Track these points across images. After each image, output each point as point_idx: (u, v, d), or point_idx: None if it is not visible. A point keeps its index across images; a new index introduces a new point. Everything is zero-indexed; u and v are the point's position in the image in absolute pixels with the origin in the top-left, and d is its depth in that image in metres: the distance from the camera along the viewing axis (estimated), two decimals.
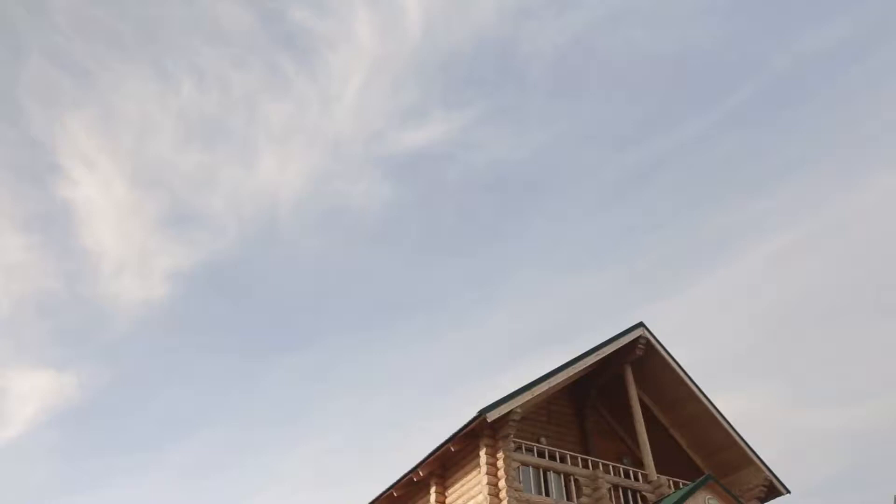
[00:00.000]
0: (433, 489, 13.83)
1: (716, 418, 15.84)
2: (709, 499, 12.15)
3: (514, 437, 13.12)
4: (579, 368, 14.53)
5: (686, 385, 15.99)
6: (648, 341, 15.83)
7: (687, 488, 12.42)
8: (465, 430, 12.83)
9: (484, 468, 12.49)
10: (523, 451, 13.42)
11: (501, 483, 12.25)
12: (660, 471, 15.02)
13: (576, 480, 13.33)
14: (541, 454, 13.64)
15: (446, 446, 13.23)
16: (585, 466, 13.86)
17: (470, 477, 13.05)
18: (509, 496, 12.04)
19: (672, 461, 16.19)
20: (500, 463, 12.49)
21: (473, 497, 12.75)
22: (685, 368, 16.10)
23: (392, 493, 14.77)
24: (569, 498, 13.08)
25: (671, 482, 14.42)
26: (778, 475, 15.65)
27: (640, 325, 15.90)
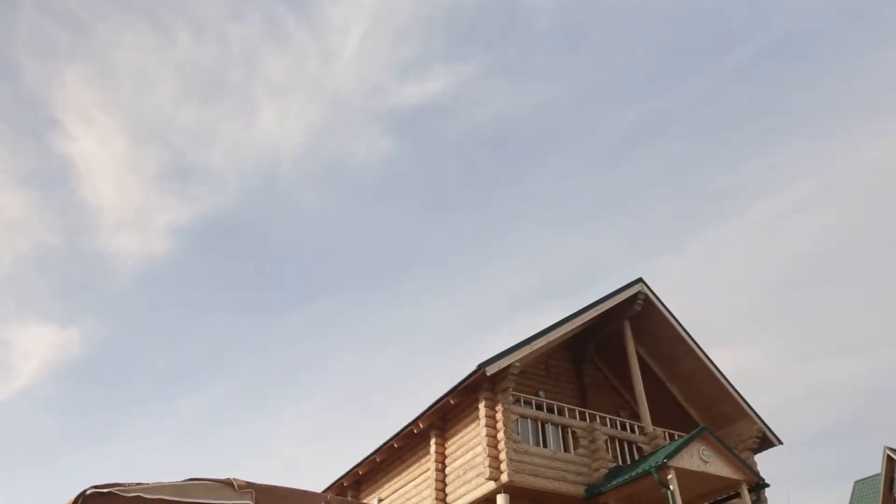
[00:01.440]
0: (433, 441, 14.08)
1: (711, 372, 16.06)
2: (703, 450, 12.38)
3: (513, 390, 13.31)
4: (578, 323, 14.65)
5: (683, 340, 16.16)
6: (647, 297, 15.93)
7: (682, 440, 12.65)
8: (464, 384, 13.01)
9: (483, 420, 12.70)
10: (522, 404, 13.63)
11: (500, 435, 12.48)
12: (656, 423, 15.29)
13: (573, 432, 13.58)
14: (539, 407, 13.86)
15: (446, 399, 13.43)
16: (583, 419, 14.09)
17: (469, 429, 13.28)
18: (507, 447, 12.28)
19: (668, 414, 16.47)
20: (499, 415, 12.69)
21: (472, 448, 13.00)
22: (683, 324, 16.26)
23: (392, 445, 15.06)
24: (566, 449, 13.34)
25: (666, 434, 14.69)
26: (771, 427, 15.95)
27: (639, 280, 15.98)
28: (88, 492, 3.83)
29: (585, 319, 14.83)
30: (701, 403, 16.54)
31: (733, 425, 16.05)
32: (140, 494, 3.90)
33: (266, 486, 4.33)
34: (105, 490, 3.79)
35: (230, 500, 4.22)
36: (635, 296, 15.75)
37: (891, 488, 26.93)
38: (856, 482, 32.42)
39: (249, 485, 4.30)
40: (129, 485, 3.89)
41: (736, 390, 15.99)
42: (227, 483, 4.20)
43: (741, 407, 15.91)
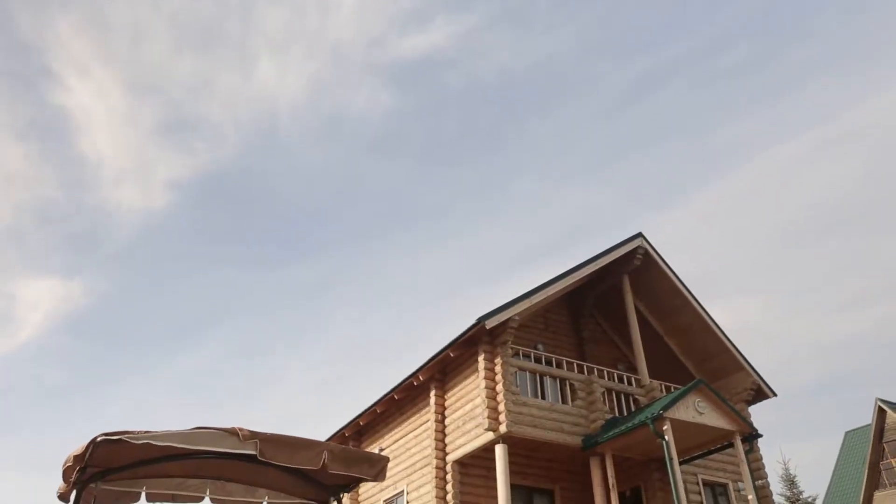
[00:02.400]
0: (433, 392, 14.33)
1: (709, 326, 16.23)
2: (698, 402, 12.61)
3: (512, 343, 13.48)
4: (577, 278, 14.74)
5: (682, 294, 16.28)
6: (646, 251, 15.98)
7: (678, 392, 12.87)
8: (464, 337, 13.17)
9: (482, 373, 12.90)
10: (520, 356, 13.82)
11: (499, 387, 12.69)
12: (653, 376, 15.54)
13: (571, 385, 13.80)
14: (537, 360, 14.06)
15: (446, 352, 13.61)
16: (581, 371, 14.31)
17: (468, 381, 13.50)
18: (506, 399, 12.51)
19: (665, 367, 16.71)
20: (498, 368, 12.89)
21: (471, 400, 13.24)
22: (681, 278, 16.36)
23: (393, 397, 15.33)
24: (564, 401, 13.58)
25: (663, 386, 14.93)
26: (766, 380, 16.21)
27: (639, 235, 16.02)
28: (99, 439, 3.93)
29: (584, 274, 14.92)
30: (698, 357, 16.77)
31: (729, 378, 16.31)
32: (149, 441, 4.00)
33: (270, 434, 4.43)
34: (115, 438, 3.89)
35: (235, 448, 4.32)
36: (634, 250, 15.81)
37: (880, 438, 27.49)
38: (846, 433, 33.11)
39: (254, 434, 4.40)
40: (138, 432, 3.99)
41: (732, 344, 16.19)
42: (233, 432, 4.31)
43: (737, 360, 16.14)
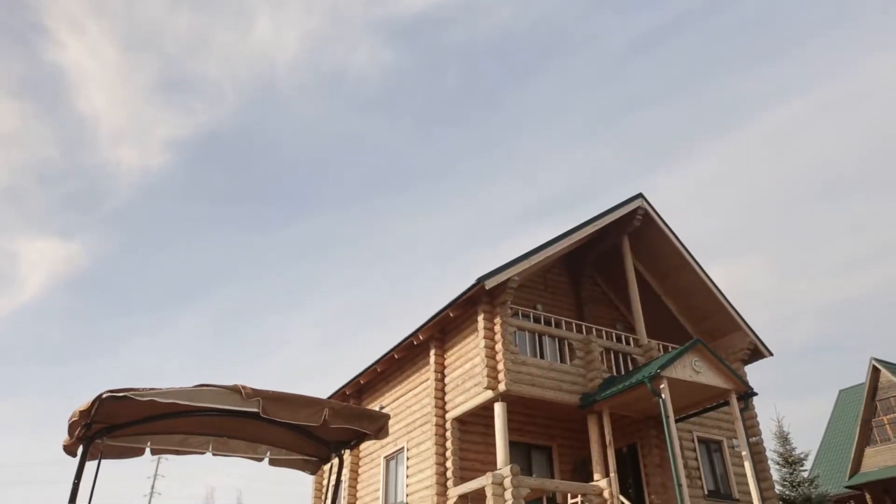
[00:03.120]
0: (432, 352, 14.47)
1: (707, 286, 16.30)
2: (695, 361, 12.75)
3: (511, 303, 13.57)
4: (576, 238, 14.74)
5: (681, 255, 16.31)
6: (647, 212, 15.96)
7: (675, 351, 13.00)
8: (463, 297, 13.24)
9: (481, 332, 13.01)
10: (520, 316, 13.91)
11: (498, 346, 12.81)
12: (651, 336, 15.67)
13: (569, 344, 13.93)
14: (536, 320, 14.16)
15: (445, 312, 13.70)
16: (579, 331, 14.43)
17: (468, 340, 13.62)
18: (505, 358, 12.64)
19: (663, 327, 16.84)
20: (497, 328, 12.99)
21: (471, 360, 13.38)
22: (681, 239, 16.37)
23: (393, 356, 15.48)
24: (562, 360, 13.73)
25: (661, 346, 15.08)
26: (763, 339, 16.36)
27: (639, 196, 15.96)
28: (104, 396, 3.98)
29: (584, 234, 14.92)
30: (696, 317, 16.89)
31: (726, 337, 16.45)
32: (154, 399, 4.06)
33: (272, 392, 4.49)
34: (120, 394, 3.94)
35: (238, 405, 4.38)
36: (635, 211, 15.78)
37: (873, 396, 27.88)
38: (840, 391, 33.56)
39: (256, 392, 4.45)
40: (143, 390, 4.04)
41: (730, 304, 16.29)
42: (235, 389, 4.36)
43: (734, 320, 16.25)
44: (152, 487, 44.91)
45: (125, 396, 3.96)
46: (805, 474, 24.39)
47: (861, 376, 28.81)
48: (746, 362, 16.34)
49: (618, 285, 17.27)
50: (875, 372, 27.91)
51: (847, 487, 27.58)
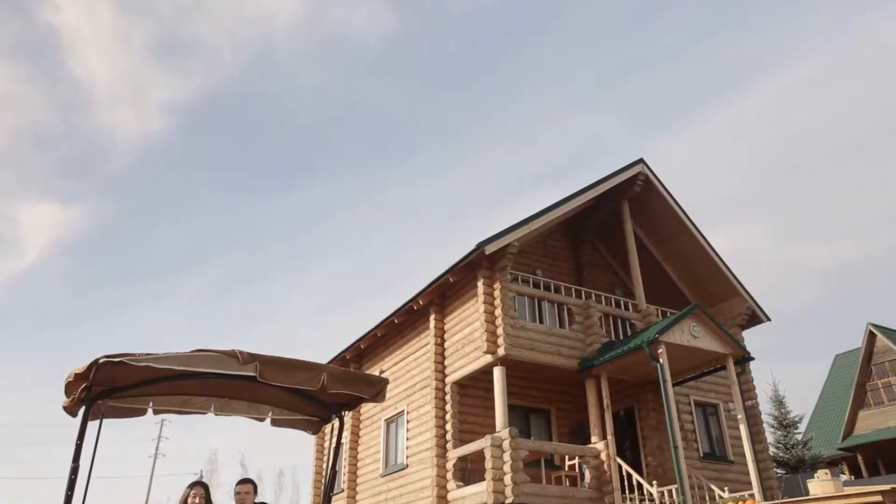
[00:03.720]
0: (432, 317, 14.54)
1: (707, 252, 16.29)
2: (693, 326, 12.81)
3: (511, 269, 13.58)
4: (577, 204, 14.69)
5: (681, 220, 16.26)
6: (647, 177, 15.86)
7: (674, 317, 13.05)
8: (463, 262, 13.24)
9: (481, 297, 13.05)
10: (519, 282, 13.94)
11: (497, 311, 12.86)
12: (650, 301, 15.71)
13: (569, 309, 13.98)
14: (536, 285, 14.19)
15: (445, 277, 13.73)
16: (578, 297, 14.47)
17: (468, 305, 13.67)
18: (504, 323, 12.70)
19: (662, 293, 16.88)
20: (497, 293, 13.02)
21: (470, 324, 13.45)
22: (682, 205, 16.30)
23: (393, 321, 15.56)
24: (561, 325, 13.79)
25: (659, 311, 15.13)
26: (761, 305, 16.42)
27: (640, 161, 15.85)
28: (101, 360, 4.00)
29: (584, 200, 14.86)
30: (694, 282, 16.92)
31: (724, 303, 16.51)
32: (150, 364, 4.07)
33: (269, 357, 4.50)
34: (116, 360, 3.96)
35: (234, 370, 4.39)
36: (635, 176, 15.68)
37: (868, 361, 28.12)
38: (836, 356, 33.85)
39: (253, 356, 4.46)
40: (140, 355, 4.05)
41: (729, 269, 16.30)
42: (232, 354, 4.37)
43: (733, 285, 16.28)
44: (156, 449, 45.71)
45: (121, 362, 3.97)
46: (799, 437, 24.76)
47: (858, 342, 29.01)
48: (744, 327, 16.42)
49: (617, 251, 17.26)
50: (871, 337, 28.11)
51: (840, 449, 28.02)
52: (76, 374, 4.12)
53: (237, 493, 5.49)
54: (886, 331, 28.05)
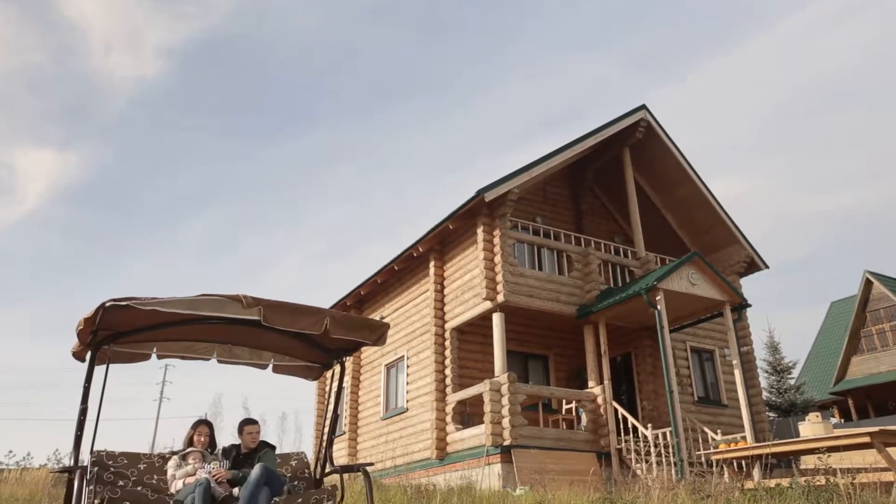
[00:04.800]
0: (432, 263, 14.60)
1: (707, 199, 16.26)
2: (692, 273, 12.88)
3: (511, 216, 13.57)
4: (577, 151, 14.57)
5: (682, 168, 16.17)
6: (649, 124, 15.69)
7: (672, 264, 13.11)
8: (463, 209, 13.22)
9: (481, 244, 13.08)
10: (519, 229, 13.95)
11: (497, 258, 12.91)
12: (649, 249, 15.77)
13: (568, 256, 14.04)
14: (535, 232, 14.21)
15: (445, 224, 13.73)
16: (578, 244, 14.51)
17: (467, 252, 13.71)
18: (504, 270, 12.76)
19: (661, 240, 16.92)
20: (497, 240, 13.05)
21: (470, 271, 13.51)
22: (683, 152, 16.18)
23: (393, 267, 15.63)
24: (560, 272, 13.87)
25: (658, 258, 15.20)
26: (760, 252, 16.48)
27: (643, 107, 15.65)
28: (107, 304, 4.03)
29: (585, 147, 14.73)
30: (694, 230, 16.93)
31: (723, 250, 16.57)
32: (155, 308, 4.10)
33: (272, 301, 4.53)
34: (122, 303, 3.98)
35: (239, 314, 4.43)
36: (637, 123, 15.51)
37: (864, 308, 28.41)
38: (832, 303, 34.17)
39: (257, 300, 4.49)
40: (145, 299, 4.08)
41: (729, 217, 16.29)
42: (236, 299, 4.39)
43: (732, 233, 16.31)
44: (161, 393, 46.61)
45: (127, 305, 4.00)
46: (792, 382, 25.22)
47: (855, 289, 29.24)
48: (742, 275, 16.53)
49: (618, 198, 17.21)
50: (868, 284, 28.33)
51: (831, 394, 28.59)
52: (85, 320, 4.16)
53: (249, 433, 5.50)
54: (883, 278, 28.24)
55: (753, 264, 16.49)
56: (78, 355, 4.78)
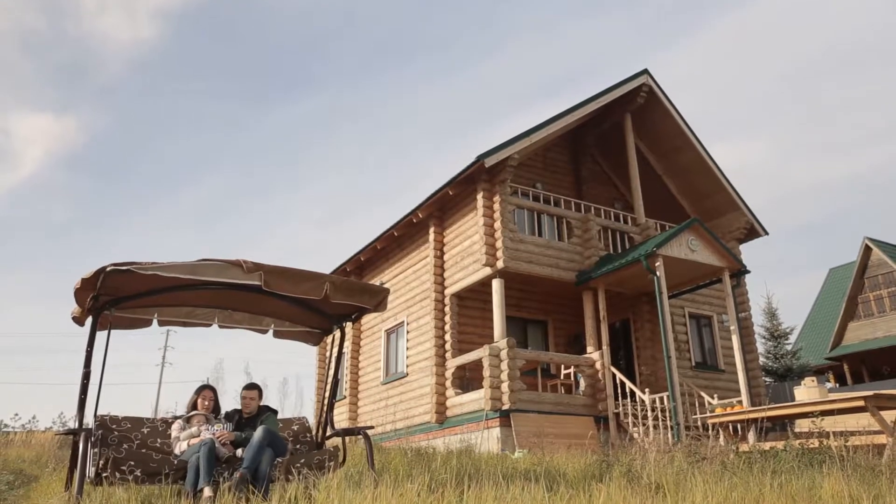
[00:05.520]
0: (432, 230, 14.59)
1: (708, 165, 16.17)
2: (691, 240, 12.89)
3: (511, 182, 13.51)
4: (578, 116, 14.44)
5: (683, 134, 16.05)
6: (651, 89, 15.53)
7: (672, 230, 13.11)
8: (463, 175, 13.17)
9: (480, 210, 13.05)
10: (519, 195, 13.91)
11: (497, 224, 12.90)
12: (649, 215, 15.75)
13: (568, 223, 14.02)
14: (535, 198, 14.17)
15: (445, 190, 13.68)
16: (578, 210, 14.48)
17: (467, 218, 13.69)
18: (504, 236, 12.76)
19: (661, 206, 16.88)
20: (496, 206, 13.02)
21: (470, 237, 13.52)
22: (685, 118, 16.04)
23: (393, 233, 15.63)
24: (560, 238, 13.88)
25: (658, 225, 15.18)
26: (760, 219, 16.47)
27: (645, 72, 15.47)
28: (108, 268, 4.04)
29: (586, 112, 14.60)
30: (695, 196, 16.88)
31: (723, 217, 16.54)
32: (156, 272, 4.11)
33: (273, 266, 4.54)
34: (123, 268, 3.99)
35: (239, 279, 4.45)
36: (639, 88, 15.35)
37: (862, 274, 28.50)
38: (831, 269, 34.28)
39: (257, 265, 4.50)
40: (146, 263, 4.08)
41: (730, 183, 16.23)
42: (237, 264, 4.40)
43: (733, 199, 16.26)
44: (163, 358, 47.07)
45: (128, 270, 4.01)
46: (789, 347, 25.44)
47: (854, 256, 29.29)
48: (742, 241, 16.53)
49: (618, 164, 17.12)
50: (867, 251, 28.37)
51: (827, 359, 28.85)
52: (84, 280, 4.17)
53: (243, 398, 5.61)
54: (882, 244, 28.27)
55: (753, 231, 16.48)
56: (78, 319, 4.81)
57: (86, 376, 4.53)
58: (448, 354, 13.44)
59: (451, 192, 13.70)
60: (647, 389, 12.43)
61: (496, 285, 12.84)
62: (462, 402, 12.62)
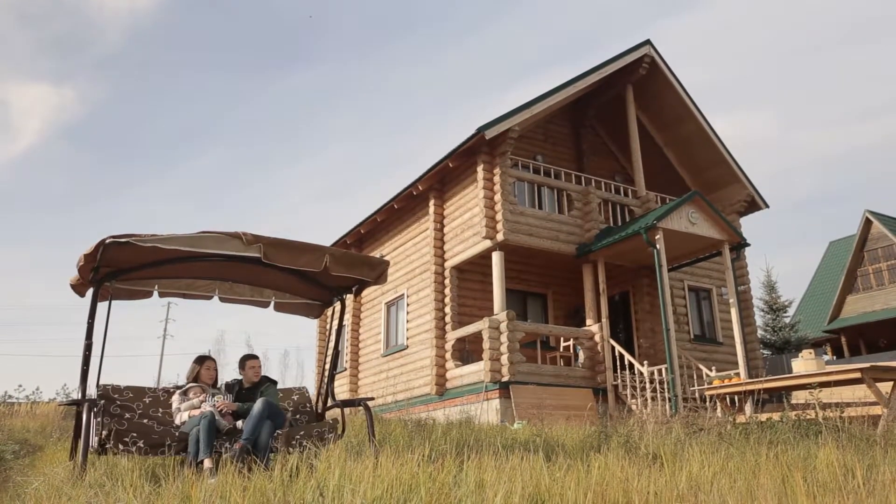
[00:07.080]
0: (432, 202, 14.55)
1: (710, 137, 16.08)
2: (692, 213, 12.86)
3: (511, 154, 13.44)
4: (579, 87, 14.30)
5: (685, 105, 15.92)
6: (653, 60, 15.36)
7: (672, 203, 13.08)
8: (463, 147, 13.09)
9: (481, 183, 13.00)
10: (519, 167, 13.84)
11: (497, 197, 12.86)
12: (649, 188, 15.69)
13: (568, 195, 13.98)
14: (536, 171, 14.11)
15: (445, 162, 13.61)
16: (578, 183, 14.43)
17: (467, 191, 13.65)
18: (504, 209, 12.74)
19: (662, 179, 16.82)
20: (497, 178, 12.97)
21: (470, 210, 13.49)
22: (687, 89, 15.90)
23: (393, 206, 15.59)
24: (560, 211, 13.85)
25: (658, 198, 15.14)
26: (761, 192, 16.41)
27: (647, 42, 15.29)
28: (107, 241, 4.03)
29: (587, 83, 14.46)
30: (695, 168, 16.80)
31: (724, 189, 16.49)
32: (156, 245, 4.11)
33: (273, 238, 4.53)
34: (123, 240, 3.99)
35: (239, 251, 4.44)
36: (641, 59, 15.18)
37: (862, 247, 28.50)
38: (831, 242, 34.26)
39: (257, 238, 4.50)
40: (145, 236, 4.08)
41: (731, 155, 16.15)
42: (237, 236, 4.40)
43: (734, 171, 16.19)
44: (164, 330, 47.32)
45: (128, 242, 4.01)
46: (787, 320, 25.54)
47: (854, 229, 29.26)
48: (742, 214, 16.51)
49: (619, 136, 17.02)
50: (867, 224, 28.32)
51: (825, 332, 28.99)
52: (85, 256, 4.18)
53: (252, 367, 5.49)
54: (883, 218, 28.22)
55: (754, 204, 16.44)
56: (77, 289, 4.81)
57: (87, 347, 4.56)
58: (448, 327, 13.50)
59: (451, 165, 13.63)
60: (645, 361, 12.52)
61: (496, 258, 12.85)
62: (462, 374, 12.71)
